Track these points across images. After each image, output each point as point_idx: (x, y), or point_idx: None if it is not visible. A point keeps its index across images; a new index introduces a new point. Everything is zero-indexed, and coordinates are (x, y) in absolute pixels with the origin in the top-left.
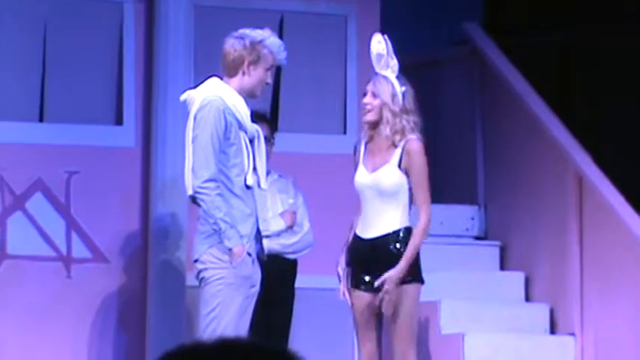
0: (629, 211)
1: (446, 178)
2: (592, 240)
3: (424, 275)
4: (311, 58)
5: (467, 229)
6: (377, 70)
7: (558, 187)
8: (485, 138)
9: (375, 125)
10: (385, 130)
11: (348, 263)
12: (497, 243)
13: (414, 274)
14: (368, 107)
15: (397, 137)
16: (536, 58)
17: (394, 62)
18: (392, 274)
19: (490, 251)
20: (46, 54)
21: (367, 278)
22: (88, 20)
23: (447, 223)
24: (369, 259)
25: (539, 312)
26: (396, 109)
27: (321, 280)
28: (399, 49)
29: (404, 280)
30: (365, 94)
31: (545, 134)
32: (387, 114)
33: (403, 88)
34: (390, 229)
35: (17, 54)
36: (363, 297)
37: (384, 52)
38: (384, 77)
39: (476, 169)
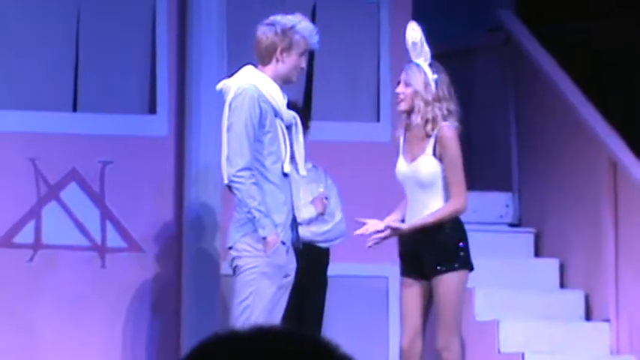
0: None
1: (480, 166)
2: (627, 225)
3: None
4: (343, 46)
5: (501, 217)
6: (412, 58)
7: (592, 173)
8: (519, 125)
9: (409, 114)
10: (417, 118)
11: (399, 253)
12: (532, 230)
13: (460, 261)
14: (400, 96)
15: (429, 126)
16: (570, 45)
17: (427, 50)
18: (399, 228)
19: (525, 238)
20: (79, 43)
21: (417, 267)
22: (120, 9)
23: (481, 211)
24: (419, 246)
25: (574, 298)
26: (429, 97)
27: (354, 268)
28: (432, 37)
29: (450, 268)
30: (399, 83)
31: (579, 120)
32: (418, 102)
33: (435, 76)
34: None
35: (50, 43)
36: (413, 285)
37: (418, 40)
38: (417, 65)
39: (510, 156)
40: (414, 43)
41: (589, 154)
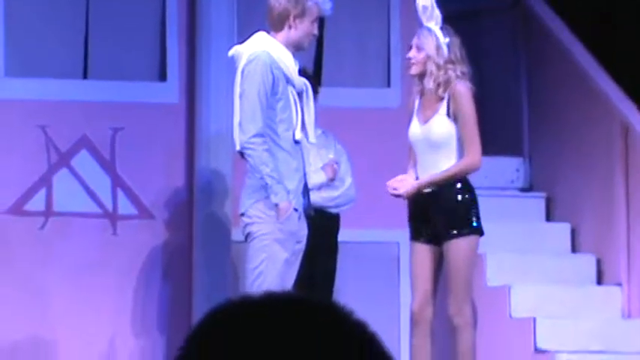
0: None
1: (490, 130)
2: (638, 189)
3: None
4: (353, 12)
5: (512, 181)
6: (423, 22)
7: (604, 137)
8: (530, 89)
9: (422, 78)
10: (429, 82)
11: (408, 217)
12: (543, 194)
13: (471, 226)
14: (412, 61)
15: (441, 89)
16: (581, 8)
17: (437, 13)
18: (411, 185)
19: (536, 203)
20: (89, 10)
21: (426, 231)
22: None
23: (492, 176)
24: (429, 211)
25: (586, 263)
26: (440, 61)
27: (364, 234)
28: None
29: (460, 233)
30: (410, 48)
31: (591, 85)
32: (431, 66)
33: (447, 39)
34: (447, 182)
35: (60, 11)
36: (423, 249)
37: (429, 3)
38: (428, 29)
39: (521, 121)
40: (424, 7)
41: (601, 119)
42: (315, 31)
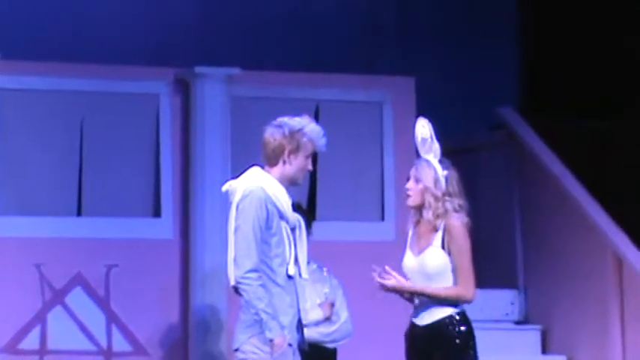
0: None
1: (485, 263)
2: (634, 322)
3: None
4: (347, 146)
5: (507, 314)
6: (422, 154)
7: (598, 269)
8: (524, 222)
9: (420, 209)
10: (428, 214)
11: (406, 350)
12: (538, 327)
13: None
14: (409, 192)
15: (438, 221)
16: (574, 140)
17: (437, 146)
18: (400, 283)
19: (531, 335)
20: (83, 148)
21: None
22: (124, 113)
23: (487, 308)
24: (427, 345)
25: None
26: (438, 193)
27: None
28: (436, 134)
29: None
30: (408, 179)
31: (584, 217)
32: (429, 198)
33: (446, 172)
34: (444, 314)
35: (55, 149)
36: None
37: (428, 136)
38: (426, 161)
39: (515, 254)
40: (423, 139)
41: (594, 251)
42: (310, 167)
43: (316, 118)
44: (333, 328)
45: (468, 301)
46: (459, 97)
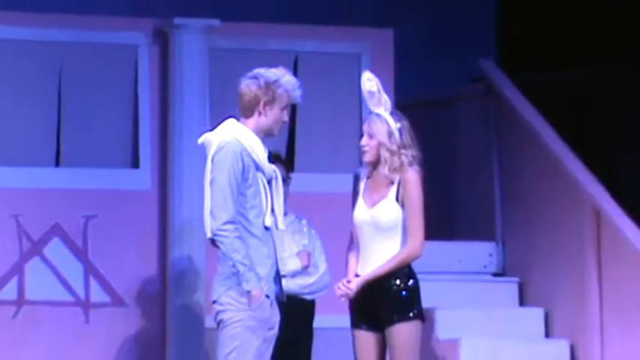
0: None
1: (463, 215)
2: (611, 274)
3: (443, 312)
4: (326, 98)
5: (485, 266)
6: (370, 108)
7: (576, 221)
8: (502, 174)
9: (375, 164)
10: (384, 169)
11: (349, 305)
12: (516, 279)
13: (414, 312)
14: (365, 148)
15: (395, 174)
16: (552, 94)
17: (386, 98)
18: (357, 282)
19: (509, 287)
20: (62, 99)
21: (368, 318)
22: (102, 64)
23: (465, 261)
24: (371, 297)
25: (560, 348)
26: (394, 147)
27: (339, 320)
28: (414, 87)
29: (403, 317)
30: (361, 135)
31: (562, 169)
32: (384, 153)
33: (398, 124)
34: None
35: (33, 99)
36: (365, 337)
37: (375, 89)
38: (378, 116)
39: (493, 206)
40: (370, 93)
41: (572, 203)
42: (286, 118)
43: (295, 69)
44: (312, 279)
45: (418, 257)
46: (437, 49)
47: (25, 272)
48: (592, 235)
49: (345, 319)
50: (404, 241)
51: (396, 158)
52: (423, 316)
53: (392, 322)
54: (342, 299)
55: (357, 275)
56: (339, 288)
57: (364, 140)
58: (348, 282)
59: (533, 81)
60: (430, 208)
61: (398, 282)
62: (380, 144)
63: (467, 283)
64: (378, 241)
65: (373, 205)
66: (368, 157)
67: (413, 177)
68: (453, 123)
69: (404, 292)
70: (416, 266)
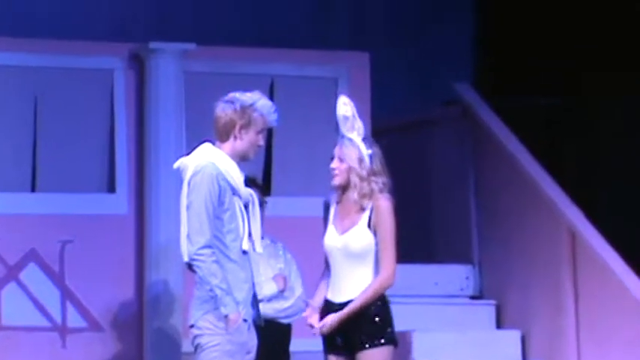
0: (622, 265)
1: (439, 238)
2: (587, 295)
3: (420, 335)
4: (302, 121)
5: (462, 289)
6: (343, 132)
7: (552, 244)
8: (478, 196)
9: (344, 188)
10: (353, 194)
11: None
12: (493, 302)
13: (386, 337)
14: (335, 172)
15: (365, 201)
16: (527, 118)
17: (360, 124)
18: (332, 319)
19: (486, 310)
20: (37, 124)
21: (341, 342)
22: (78, 89)
23: (442, 283)
24: (344, 324)
25: None
26: (363, 172)
27: (315, 344)
28: (390, 110)
29: (373, 343)
30: (332, 158)
31: (538, 192)
32: (354, 178)
33: (370, 151)
34: (359, 291)
35: (8, 124)
36: None
37: (350, 114)
38: (350, 140)
39: (469, 228)
40: (345, 117)
41: (548, 225)
42: (261, 142)
43: (271, 93)
44: (288, 303)
45: (391, 285)
46: (413, 72)
47: (1, 298)
48: (568, 257)
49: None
50: (376, 268)
51: (365, 184)
52: (395, 341)
53: (362, 348)
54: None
55: (326, 300)
56: (311, 326)
57: (334, 163)
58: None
59: (508, 105)
60: (406, 230)
61: (370, 307)
62: (350, 168)
63: (444, 306)
64: (349, 267)
65: (344, 231)
66: (337, 181)
67: (385, 205)
68: (429, 146)
69: (374, 317)
70: (392, 289)
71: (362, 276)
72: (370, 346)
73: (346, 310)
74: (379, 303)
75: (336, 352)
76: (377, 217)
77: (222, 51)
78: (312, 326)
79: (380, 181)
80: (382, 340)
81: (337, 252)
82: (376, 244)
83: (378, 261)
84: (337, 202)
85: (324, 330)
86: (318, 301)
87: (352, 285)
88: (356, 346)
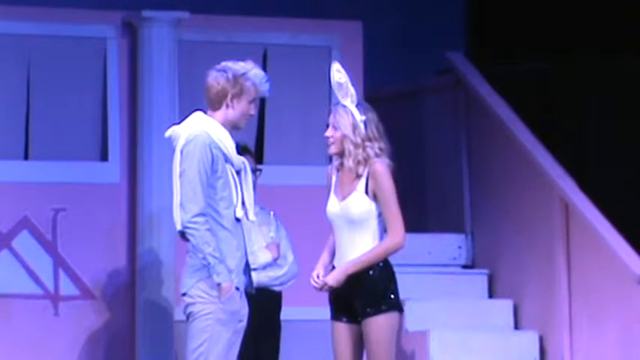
0: (615, 235)
1: (432, 208)
2: (579, 266)
3: (412, 304)
4: (295, 90)
5: (454, 258)
6: (339, 99)
7: (545, 213)
8: (471, 166)
9: (341, 156)
10: (348, 162)
11: (328, 297)
12: (485, 271)
13: (390, 303)
14: (330, 140)
15: (360, 167)
16: (519, 86)
17: (353, 91)
18: (338, 271)
19: (478, 279)
20: (31, 92)
21: (347, 310)
22: (71, 57)
23: (435, 253)
24: (347, 288)
25: (529, 340)
26: (358, 139)
27: (306, 312)
28: (383, 79)
29: (378, 310)
30: (327, 127)
31: (531, 161)
32: (348, 146)
33: (364, 117)
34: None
35: (1, 92)
36: (343, 329)
37: (344, 80)
38: (343, 107)
39: (462, 198)
40: (339, 84)
41: (541, 196)
42: (253, 112)
43: (264, 62)
44: (282, 271)
45: (401, 248)
46: (406, 41)
47: None
48: (561, 227)
49: (312, 311)
50: (377, 236)
51: (360, 151)
52: (399, 307)
53: (366, 315)
54: (322, 290)
55: (334, 268)
56: (315, 282)
57: (329, 132)
58: (318, 276)
59: (501, 73)
60: (400, 199)
61: (371, 272)
62: (344, 136)
63: (436, 275)
64: (350, 234)
65: (343, 198)
66: (333, 149)
67: (380, 168)
68: (422, 115)
69: (378, 283)
70: None
71: (364, 244)
72: (373, 314)
73: (351, 264)
74: (383, 268)
75: (343, 320)
76: (374, 182)
77: (215, 20)
78: (318, 276)
79: (376, 147)
80: (383, 307)
81: (338, 219)
82: (378, 212)
83: (381, 228)
84: (337, 170)
85: (328, 286)
86: (321, 265)
87: (355, 251)
88: (360, 314)
